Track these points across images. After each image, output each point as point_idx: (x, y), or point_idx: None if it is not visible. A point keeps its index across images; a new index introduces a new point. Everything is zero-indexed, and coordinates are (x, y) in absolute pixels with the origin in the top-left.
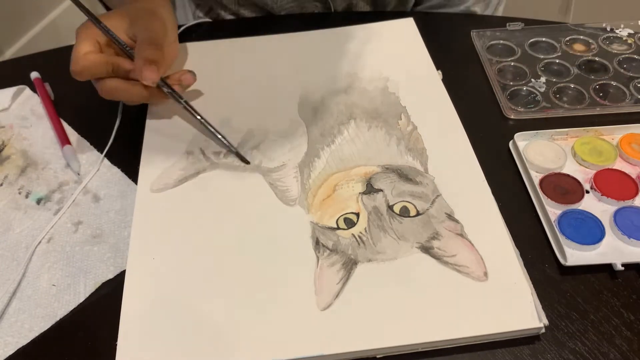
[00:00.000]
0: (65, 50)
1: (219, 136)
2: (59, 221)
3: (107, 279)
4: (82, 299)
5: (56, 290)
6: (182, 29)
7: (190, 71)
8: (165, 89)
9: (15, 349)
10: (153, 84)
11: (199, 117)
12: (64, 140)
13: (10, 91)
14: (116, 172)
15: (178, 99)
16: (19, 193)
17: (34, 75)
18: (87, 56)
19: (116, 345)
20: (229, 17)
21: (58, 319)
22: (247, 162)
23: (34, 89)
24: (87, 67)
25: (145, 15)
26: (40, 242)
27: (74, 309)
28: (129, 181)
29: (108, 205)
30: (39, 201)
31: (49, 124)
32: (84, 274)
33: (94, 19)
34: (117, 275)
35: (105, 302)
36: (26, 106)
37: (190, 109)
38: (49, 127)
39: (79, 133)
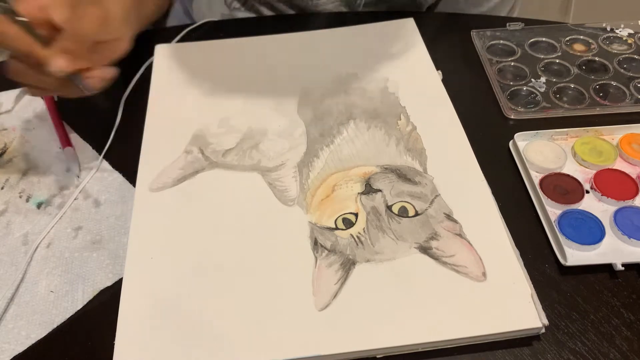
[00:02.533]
0: None
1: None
2: (59, 226)
3: (106, 286)
4: (80, 306)
5: (54, 297)
6: (185, 30)
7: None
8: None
9: (11, 356)
10: (61, 74)
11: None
12: (65, 142)
13: (13, 93)
14: (117, 176)
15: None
16: (20, 197)
17: None
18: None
19: (113, 349)
20: (266, 12)
21: (55, 326)
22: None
23: None
24: (4, 33)
25: (86, 2)
26: (39, 246)
27: (72, 316)
28: (130, 186)
29: (109, 211)
30: (39, 205)
31: (51, 127)
32: (83, 281)
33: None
34: (116, 282)
35: (103, 309)
36: (29, 108)
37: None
38: (51, 130)
39: (79, 135)
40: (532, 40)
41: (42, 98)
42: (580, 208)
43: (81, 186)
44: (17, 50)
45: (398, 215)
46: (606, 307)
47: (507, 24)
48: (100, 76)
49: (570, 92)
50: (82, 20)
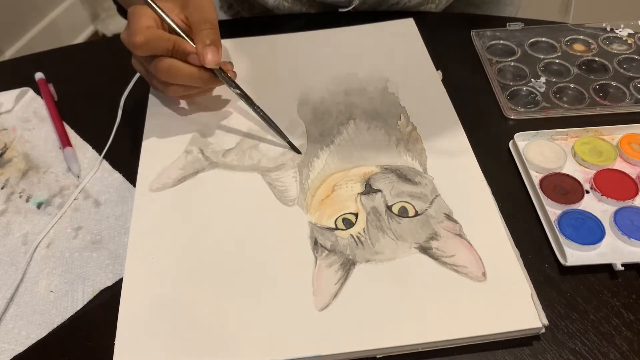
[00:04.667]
0: (67, 49)
1: (274, 125)
2: (59, 226)
3: (106, 286)
4: (80, 306)
5: (54, 297)
6: None
7: (230, 62)
8: (220, 74)
9: (11, 356)
10: (216, 66)
11: (250, 103)
12: (65, 142)
13: (13, 93)
14: (117, 177)
15: (231, 83)
16: (20, 197)
17: (38, 75)
18: (150, 30)
19: (113, 348)
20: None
21: (55, 326)
22: (299, 152)
23: (36, 89)
24: (149, 40)
25: None
26: (38, 245)
27: (72, 316)
28: (130, 186)
29: (108, 211)
30: (39, 205)
31: (51, 127)
32: (83, 281)
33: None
34: (116, 282)
35: (103, 309)
36: (29, 108)
37: (243, 94)
38: (51, 130)
39: (79, 135)
40: (532, 40)
41: (42, 98)
42: (580, 208)
43: (81, 186)
44: (167, 49)
45: (398, 215)
46: (606, 307)
47: (507, 24)
48: (232, 69)
49: (570, 92)
50: (203, 10)
